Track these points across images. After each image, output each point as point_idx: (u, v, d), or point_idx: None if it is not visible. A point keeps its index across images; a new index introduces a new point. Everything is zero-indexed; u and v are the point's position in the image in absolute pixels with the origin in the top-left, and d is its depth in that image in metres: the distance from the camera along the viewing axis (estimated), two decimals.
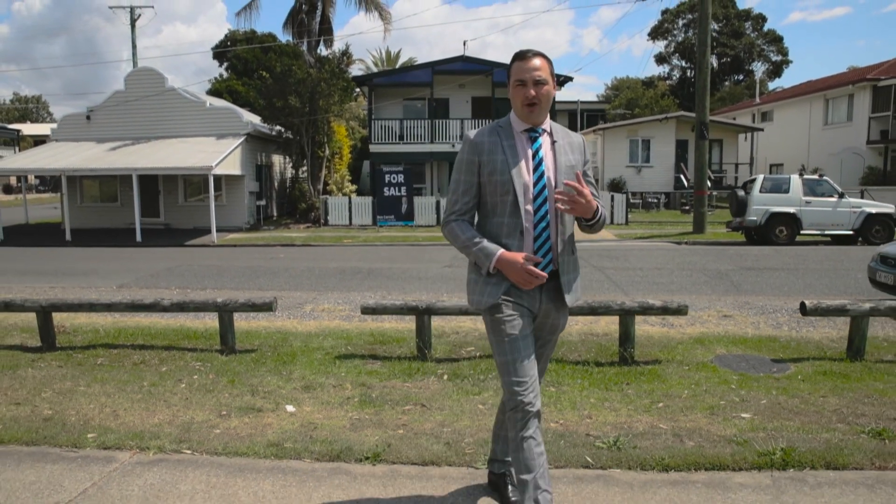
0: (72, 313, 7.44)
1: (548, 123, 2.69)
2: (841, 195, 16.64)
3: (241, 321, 7.53)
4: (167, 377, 5.39)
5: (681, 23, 57.50)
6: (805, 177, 17.22)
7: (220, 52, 43.28)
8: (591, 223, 2.62)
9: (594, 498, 3.12)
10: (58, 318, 7.03)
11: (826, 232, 16.66)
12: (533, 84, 2.55)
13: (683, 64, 58.42)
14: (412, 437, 3.89)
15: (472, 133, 2.68)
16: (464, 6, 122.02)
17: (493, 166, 2.58)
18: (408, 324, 7.19)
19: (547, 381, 5.12)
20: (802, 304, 6.01)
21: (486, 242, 2.58)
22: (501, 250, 2.55)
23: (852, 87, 27.91)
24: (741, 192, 17.19)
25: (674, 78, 59.59)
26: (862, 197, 20.80)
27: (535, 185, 2.58)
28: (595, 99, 59.30)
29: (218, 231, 19.39)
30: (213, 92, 36.98)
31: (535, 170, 2.59)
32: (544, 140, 2.64)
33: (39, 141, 61.05)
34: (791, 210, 16.40)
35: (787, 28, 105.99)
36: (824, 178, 17.43)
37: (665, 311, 5.99)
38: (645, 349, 6.22)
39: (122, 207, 23.33)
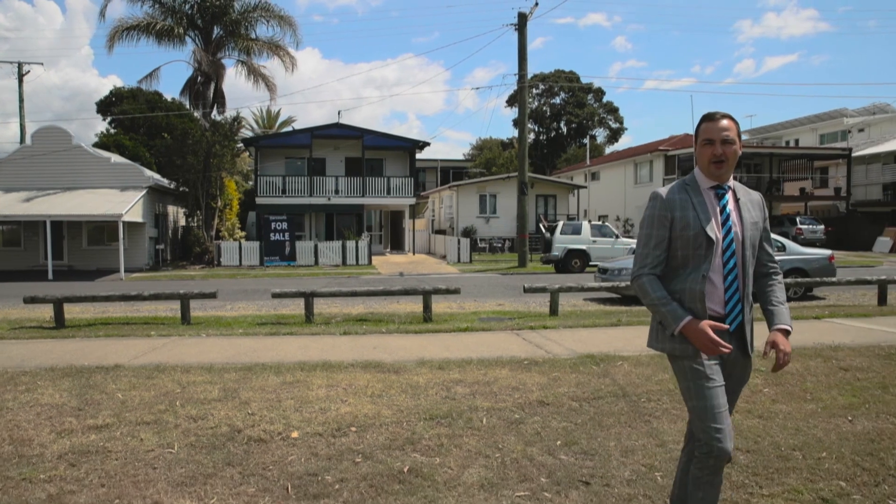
0: (76, 305, 11.20)
1: (731, 181, 2.79)
2: (617, 237, 22.74)
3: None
4: (157, 332, 9.46)
5: (534, 92, 65.91)
6: (592, 222, 23.26)
7: (104, 106, 45.56)
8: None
9: (385, 337, 7.73)
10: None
11: None
12: (721, 143, 2.67)
13: (537, 128, 66.84)
14: (305, 329, 8.38)
15: (662, 191, 2.80)
16: (342, 62, 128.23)
17: (686, 221, 2.69)
18: (299, 310, 11.54)
19: (378, 328, 9.68)
20: (524, 286, 11.09)
21: (674, 305, 2.68)
22: (689, 317, 2.63)
23: (650, 156, 35.49)
24: (548, 234, 22.88)
25: (528, 140, 67.62)
26: None
27: (724, 238, 2.70)
28: (462, 157, 66.61)
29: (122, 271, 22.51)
30: (100, 145, 39.18)
31: (723, 224, 2.71)
32: (730, 196, 2.76)
33: None
34: (583, 247, 22.25)
35: (640, 94, 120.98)
36: (606, 223, 23.60)
37: (448, 291, 10.85)
38: (442, 316, 10.96)
39: (24, 251, 25.80)
